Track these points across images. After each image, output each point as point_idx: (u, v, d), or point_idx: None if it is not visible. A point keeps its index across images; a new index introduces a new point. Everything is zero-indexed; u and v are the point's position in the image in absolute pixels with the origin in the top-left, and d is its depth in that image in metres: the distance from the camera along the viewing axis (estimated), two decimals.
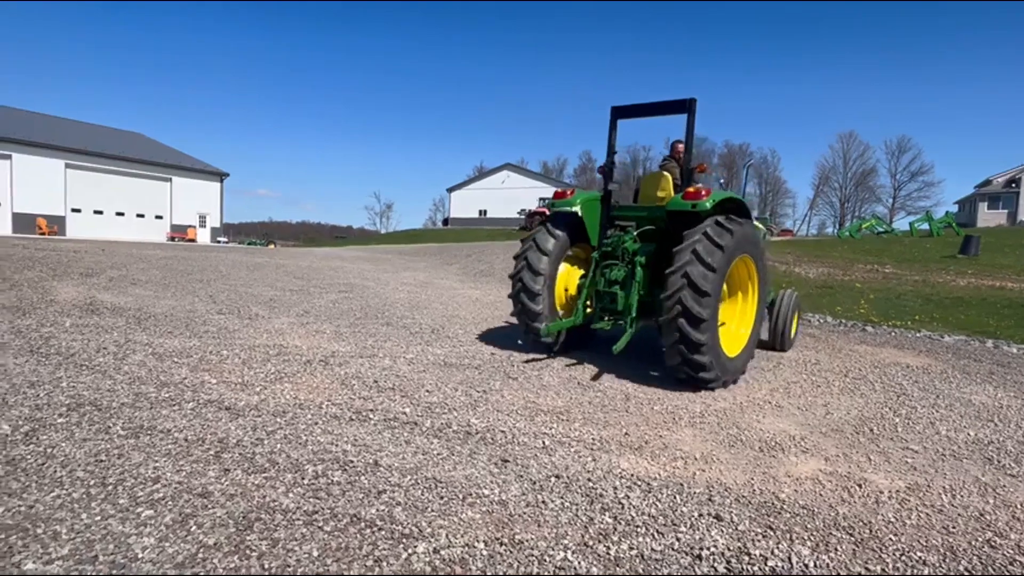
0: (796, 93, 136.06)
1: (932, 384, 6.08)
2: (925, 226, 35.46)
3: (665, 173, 6.62)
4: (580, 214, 6.26)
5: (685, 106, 5.65)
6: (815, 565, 2.57)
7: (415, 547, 2.51)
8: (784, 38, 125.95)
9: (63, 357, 4.99)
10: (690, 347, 4.97)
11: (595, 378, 5.55)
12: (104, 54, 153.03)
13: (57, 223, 31.76)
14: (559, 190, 6.51)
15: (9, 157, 29.79)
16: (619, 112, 6.21)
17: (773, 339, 7.36)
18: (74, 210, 33.17)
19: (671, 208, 5.49)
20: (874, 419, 4.79)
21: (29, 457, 3.10)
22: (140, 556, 2.31)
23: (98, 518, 2.56)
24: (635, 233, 6.18)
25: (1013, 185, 52.26)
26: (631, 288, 5.72)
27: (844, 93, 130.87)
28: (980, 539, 2.90)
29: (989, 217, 51.54)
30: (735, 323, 5.95)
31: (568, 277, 6.66)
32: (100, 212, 34.62)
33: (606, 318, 6.02)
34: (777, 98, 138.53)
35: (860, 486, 3.45)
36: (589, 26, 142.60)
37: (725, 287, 5.65)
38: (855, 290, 13.88)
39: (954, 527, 3.01)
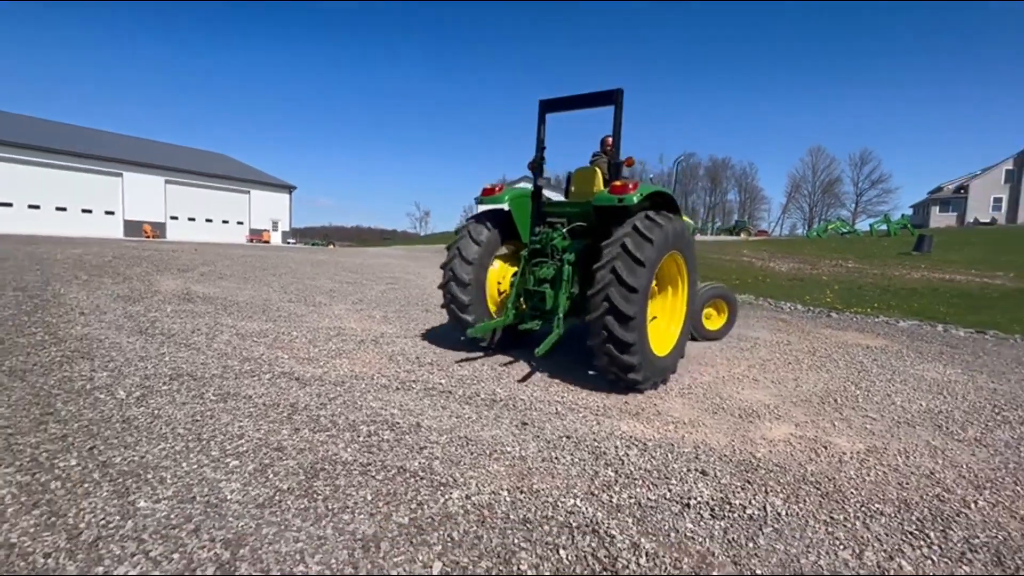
0: (773, 113, 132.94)
1: (889, 362, 5.91)
2: (883, 227, 34.42)
3: (596, 168, 5.52)
4: (509, 210, 5.27)
5: (612, 97, 4.64)
6: (787, 513, 2.53)
7: (451, 493, 2.53)
8: (764, 56, 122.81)
9: (165, 337, 5.12)
10: (618, 346, 4.07)
11: None
12: (196, 85, 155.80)
13: (158, 228, 32.54)
14: (488, 186, 5.23)
15: (121, 175, 30.58)
16: (547, 105, 5.15)
17: None
18: (172, 217, 33.95)
19: (598, 203, 4.52)
20: (838, 391, 4.68)
21: (140, 417, 3.20)
22: (228, 498, 2.37)
23: (195, 466, 2.64)
24: (564, 230, 5.12)
25: (961, 191, 50.50)
26: (560, 287, 4.73)
27: (815, 110, 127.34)
28: (931, 494, 2.83)
29: (940, 219, 49.86)
30: (664, 321, 5.01)
31: (500, 274, 5.54)
32: (193, 219, 35.38)
33: (535, 318, 5.01)
34: (756, 117, 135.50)
35: (825, 448, 3.38)
36: (600, 37, 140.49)
37: (655, 285, 4.89)
38: (822, 282, 13.56)
39: (907, 483, 2.94)
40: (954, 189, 51.88)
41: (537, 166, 5.39)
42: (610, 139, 5.45)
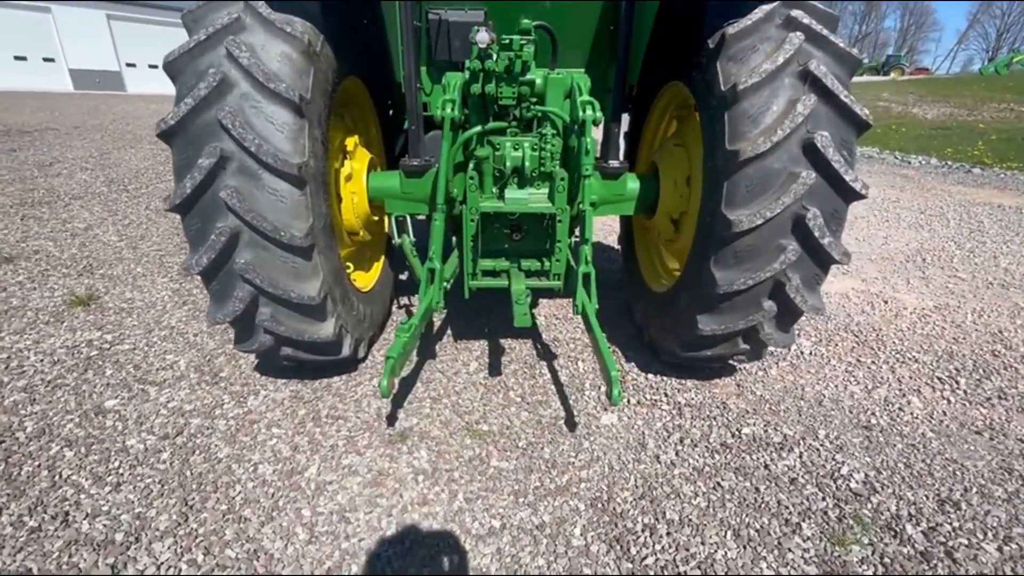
0: None
1: (1018, 223, 5.18)
2: None
3: None
4: None
5: None
6: (811, 354, 2.65)
7: (524, 339, 2.93)
8: None
9: None
10: (787, 321, 2.07)
11: None
12: None
13: None
14: None
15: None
16: None
17: None
18: None
19: None
20: (932, 251, 4.31)
21: None
22: None
23: None
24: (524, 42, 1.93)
25: None
26: (581, 191, 2.05)
27: None
28: (985, 349, 2.75)
29: None
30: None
31: (352, 187, 2.27)
32: None
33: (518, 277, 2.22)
34: None
35: (886, 303, 3.29)
36: None
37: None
38: (976, 131, 11.33)
39: (964, 339, 2.86)
40: None
41: None
42: None
